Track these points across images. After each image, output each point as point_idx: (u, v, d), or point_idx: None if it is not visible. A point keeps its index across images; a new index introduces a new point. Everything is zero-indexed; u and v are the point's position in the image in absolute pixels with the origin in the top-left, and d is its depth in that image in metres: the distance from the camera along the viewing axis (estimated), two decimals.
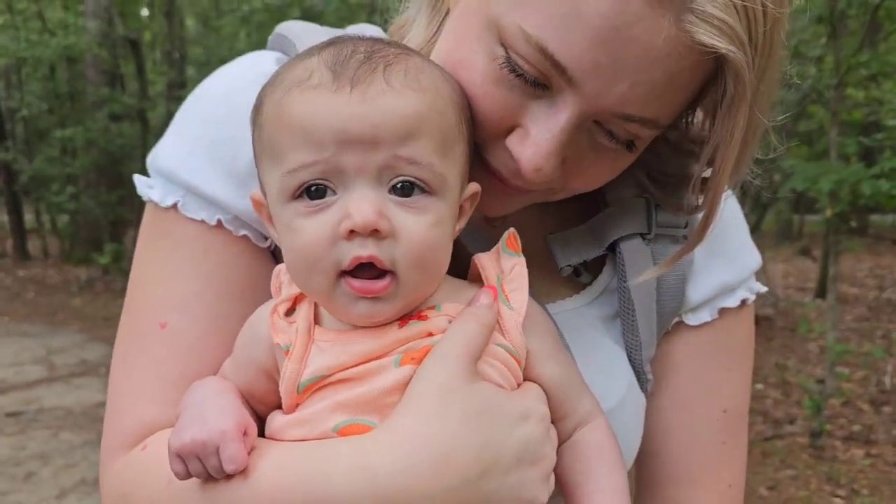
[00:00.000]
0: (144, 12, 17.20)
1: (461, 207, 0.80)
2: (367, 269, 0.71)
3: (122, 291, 0.95)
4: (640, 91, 0.72)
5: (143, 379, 0.86)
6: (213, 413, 0.74)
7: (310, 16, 9.32)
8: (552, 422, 0.79)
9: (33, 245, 16.56)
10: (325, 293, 0.73)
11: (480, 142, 0.80)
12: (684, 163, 0.91)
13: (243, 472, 0.71)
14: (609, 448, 0.82)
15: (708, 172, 0.81)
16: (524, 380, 0.80)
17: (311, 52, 0.76)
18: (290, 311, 0.79)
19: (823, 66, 6.00)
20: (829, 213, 5.12)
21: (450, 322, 0.76)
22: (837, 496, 4.54)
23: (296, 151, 0.71)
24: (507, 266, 0.81)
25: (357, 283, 0.71)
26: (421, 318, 0.76)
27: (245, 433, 0.73)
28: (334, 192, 0.71)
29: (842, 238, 5.94)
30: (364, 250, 0.69)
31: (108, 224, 13.15)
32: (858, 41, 5.28)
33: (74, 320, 9.59)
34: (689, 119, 0.87)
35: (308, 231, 0.71)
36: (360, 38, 0.78)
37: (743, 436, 1.04)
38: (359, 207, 0.69)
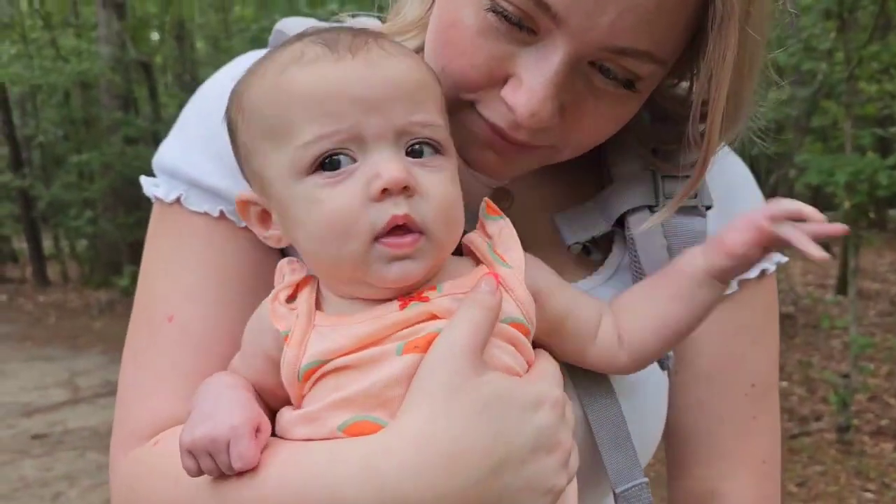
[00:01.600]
0: (155, 36, 17.39)
1: None
2: (398, 231, 0.71)
3: None
4: (628, 19, 0.71)
5: (154, 372, 0.86)
6: (225, 409, 0.73)
7: None
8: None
9: (53, 270, 16.70)
10: (359, 260, 0.71)
11: (478, 98, 0.80)
12: (684, 129, 0.88)
13: (253, 470, 0.70)
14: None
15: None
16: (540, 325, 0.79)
17: (290, 40, 0.78)
18: (291, 298, 0.79)
19: (834, 60, 5.97)
20: (846, 205, 5.08)
21: (453, 301, 0.74)
22: (868, 490, 4.48)
23: (310, 123, 0.71)
24: (493, 231, 0.81)
25: (392, 240, 0.71)
26: (422, 299, 0.74)
27: (258, 430, 0.72)
28: (353, 160, 0.71)
29: (861, 232, 5.89)
30: (399, 209, 0.69)
31: (126, 247, 13.22)
32: (868, 34, 5.25)
33: (96, 343, 9.66)
34: (694, 74, 0.85)
35: (336, 198, 0.70)
36: (346, 26, 0.80)
37: (774, 410, 1.02)
38: (387, 167, 0.69)
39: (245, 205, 0.80)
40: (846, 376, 5.33)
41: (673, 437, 1.01)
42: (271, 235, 0.81)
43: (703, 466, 1.00)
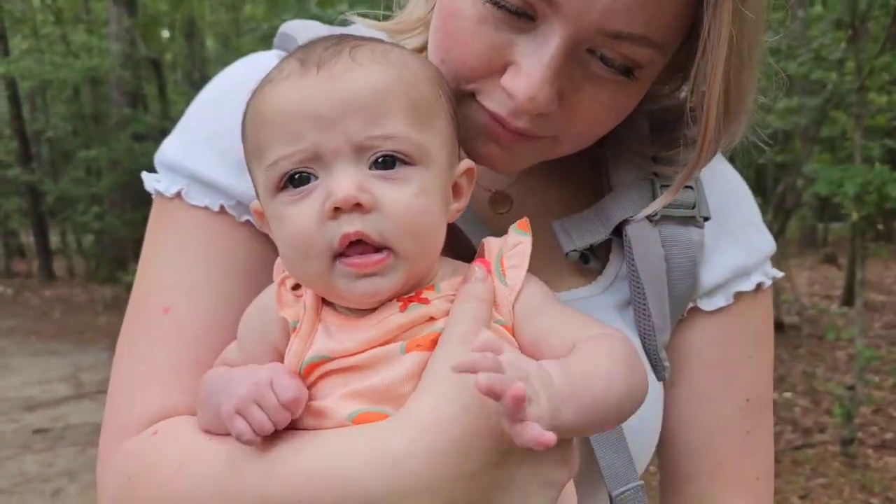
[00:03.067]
0: (165, 34, 17.45)
1: (457, 185, 0.80)
2: (360, 248, 0.71)
3: None
4: (622, 2, 0.71)
5: (148, 365, 0.86)
6: (249, 370, 0.74)
7: None
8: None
9: (59, 265, 16.78)
10: (323, 278, 0.72)
11: (478, 88, 0.80)
12: (683, 134, 0.89)
13: (262, 453, 0.70)
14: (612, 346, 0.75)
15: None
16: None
17: (290, 53, 0.79)
18: (297, 286, 0.79)
19: (844, 70, 5.96)
20: (854, 216, 5.06)
21: (450, 302, 0.75)
22: None
23: (274, 144, 0.73)
24: (511, 242, 0.80)
25: (354, 259, 0.71)
26: (422, 301, 0.75)
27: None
28: (316, 178, 0.72)
29: (868, 244, 5.87)
30: (351, 226, 0.70)
31: (132, 243, 13.26)
32: (880, 44, 5.23)
33: (101, 338, 9.69)
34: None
35: (295, 217, 0.72)
36: (338, 34, 0.80)
37: (768, 425, 1.01)
38: (339, 184, 0.70)
39: (260, 214, 0.81)
40: (851, 388, 5.30)
41: (666, 452, 1.00)
42: None
43: (696, 483, 0.98)
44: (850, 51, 5.43)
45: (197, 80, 15.16)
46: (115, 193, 13.31)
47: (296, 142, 0.71)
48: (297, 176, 0.72)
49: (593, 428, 0.74)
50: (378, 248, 0.71)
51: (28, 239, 18.00)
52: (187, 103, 0.96)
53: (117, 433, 0.85)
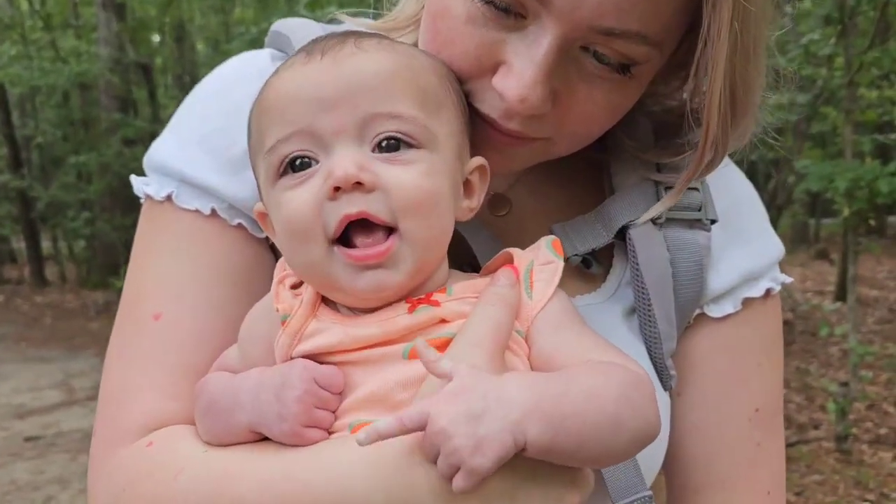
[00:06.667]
0: (155, 38, 17.39)
1: (468, 182, 0.77)
2: (364, 234, 0.68)
3: None
4: None
5: (139, 371, 0.84)
6: (258, 375, 0.73)
7: None
8: None
9: (50, 271, 16.70)
10: (323, 268, 0.69)
11: (470, 90, 0.78)
12: (687, 140, 0.85)
13: (258, 462, 0.69)
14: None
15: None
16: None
17: (298, 50, 0.78)
18: (297, 286, 0.76)
19: (834, 66, 5.96)
20: (846, 212, 5.06)
21: (466, 304, 0.71)
22: (867, 500, 4.45)
23: (272, 129, 0.71)
24: (542, 258, 0.76)
25: (354, 251, 0.67)
26: (432, 302, 0.71)
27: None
28: (318, 162, 0.69)
29: (860, 239, 5.87)
30: (352, 206, 0.67)
31: (123, 248, 13.20)
32: (869, 39, 5.24)
33: (92, 344, 9.63)
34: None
35: (292, 200, 0.69)
36: (343, 31, 0.78)
37: (779, 436, 0.97)
38: (339, 163, 0.67)
39: (261, 216, 0.79)
40: (845, 384, 5.30)
41: (673, 464, 0.96)
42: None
43: (704, 496, 0.94)
44: (840, 46, 5.44)
45: (187, 84, 15.10)
46: (105, 198, 13.26)
47: (292, 124, 0.69)
48: (297, 161, 0.70)
49: (583, 452, 0.65)
50: (383, 235, 0.67)
51: (19, 245, 17.91)
52: (177, 107, 0.93)
53: (109, 441, 0.83)
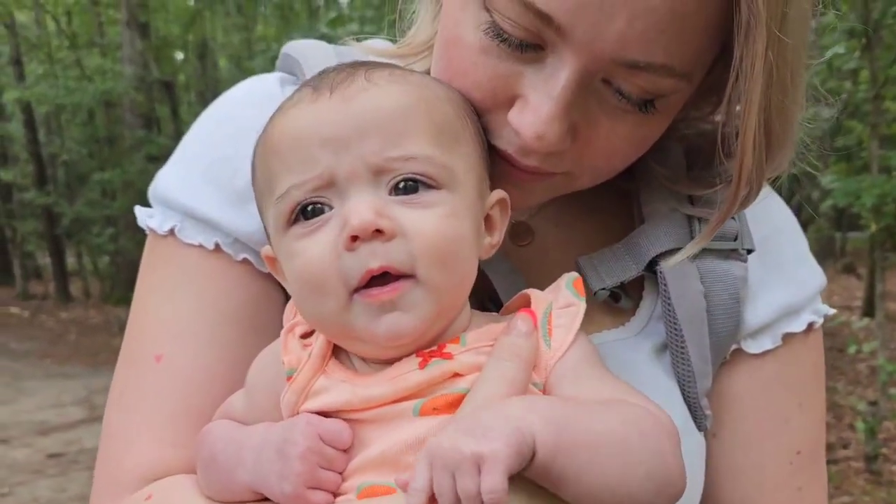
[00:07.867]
0: (179, 56, 17.62)
1: (489, 218, 0.73)
2: (381, 283, 0.64)
3: None
4: (639, 27, 0.63)
5: (139, 416, 0.81)
6: (262, 431, 0.70)
7: None
8: None
9: (75, 287, 16.87)
10: (340, 318, 0.65)
11: (485, 124, 0.74)
12: (719, 168, 0.80)
13: None
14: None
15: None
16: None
17: (303, 83, 0.74)
18: (308, 335, 0.73)
19: (859, 79, 5.89)
20: (873, 228, 4.98)
21: (480, 355, 0.67)
22: None
23: (284, 173, 0.67)
24: (562, 300, 0.72)
25: (375, 290, 0.63)
26: (444, 355, 0.67)
27: None
28: (331, 208, 0.66)
29: (888, 255, 5.77)
30: (374, 259, 0.63)
31: None
32: (894, 53, 5.17)
33: (115, 360, 9.64)
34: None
35: (307, 250, 0.65)
36: (353, 61, 0.74)
37: (821, 481, 0.92)
38: (355, 209, 0.63)
39: (270, 261, 0.75)
40: (874, 403, 5.19)
41: None
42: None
43: None
44: (865, 59, 5.36)
45: (209, 101, 15.08)
46: (129, 215, 13.12)
47: (307, 168, 0.65)
48: (309, 207, 0.66)
49: (595, 468, 0.61)
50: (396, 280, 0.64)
51: (44, 261, 18.14)
52: None
53: (109, 488, 0.80)
